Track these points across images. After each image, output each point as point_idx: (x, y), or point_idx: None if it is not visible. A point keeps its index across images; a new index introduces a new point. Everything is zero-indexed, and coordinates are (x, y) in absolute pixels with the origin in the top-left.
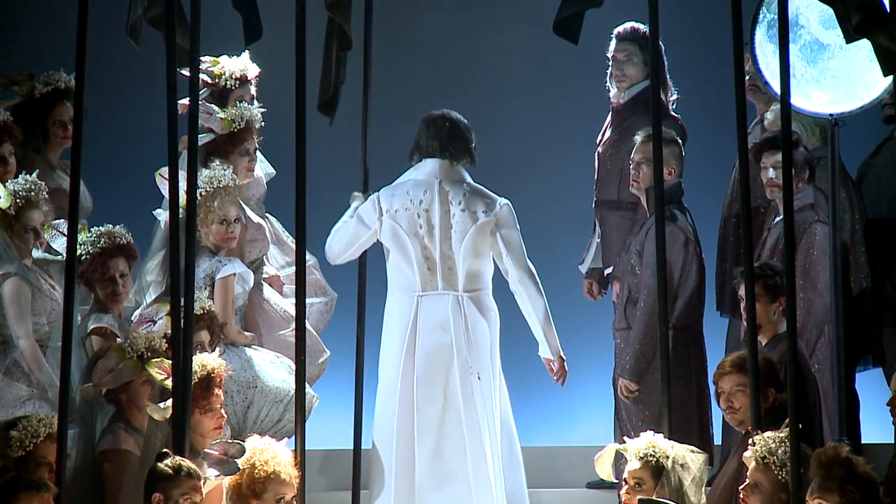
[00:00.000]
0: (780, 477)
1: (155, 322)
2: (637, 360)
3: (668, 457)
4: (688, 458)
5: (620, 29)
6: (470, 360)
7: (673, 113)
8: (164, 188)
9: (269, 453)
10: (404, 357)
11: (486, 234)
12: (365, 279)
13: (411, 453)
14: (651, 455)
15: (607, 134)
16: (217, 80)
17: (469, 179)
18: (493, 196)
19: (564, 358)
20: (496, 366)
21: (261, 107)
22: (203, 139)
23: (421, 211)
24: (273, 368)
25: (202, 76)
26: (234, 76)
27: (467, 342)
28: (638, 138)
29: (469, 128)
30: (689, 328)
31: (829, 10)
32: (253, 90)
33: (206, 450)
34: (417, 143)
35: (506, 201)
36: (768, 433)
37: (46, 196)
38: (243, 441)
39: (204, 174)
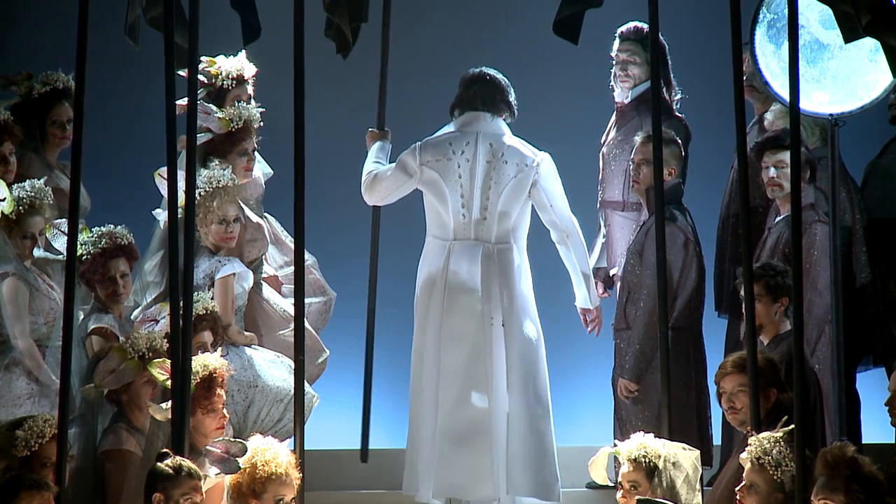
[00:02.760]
0: (775, 477)
1: (158, 321)
2: (637, 360)
3: (659, 456)
4: (680, 457)
5: (624, 29)
6: (493, 310)
7: (677, 113)
8: (164, 188)
9: (271, 454)
10: (433, 307)
11: (527, 185)
12: (376, 279)
13: (432, 413)
14: (643, 456)
15: (611, 134)
16: (213, 81)
17: (509, 132)
18: (533, 149)
19: (600, 307)
20: (534, 319)
21: (259, 106)
22: (201, 139)
23: (462, 161)
24: (273, 368)
25: (199, 77)
26: (230, 76)
27: (494, 293)
28: (637, 139)
29: (508, 84)
30: (689, 328)
31: (830, 10)
32: (250, 90)
33: (207, 447)
34: (459, 98)
35: (546, 154)
36: (763, 433)
37: (52, 202)
38: (245, 441)
39: (203, 174)
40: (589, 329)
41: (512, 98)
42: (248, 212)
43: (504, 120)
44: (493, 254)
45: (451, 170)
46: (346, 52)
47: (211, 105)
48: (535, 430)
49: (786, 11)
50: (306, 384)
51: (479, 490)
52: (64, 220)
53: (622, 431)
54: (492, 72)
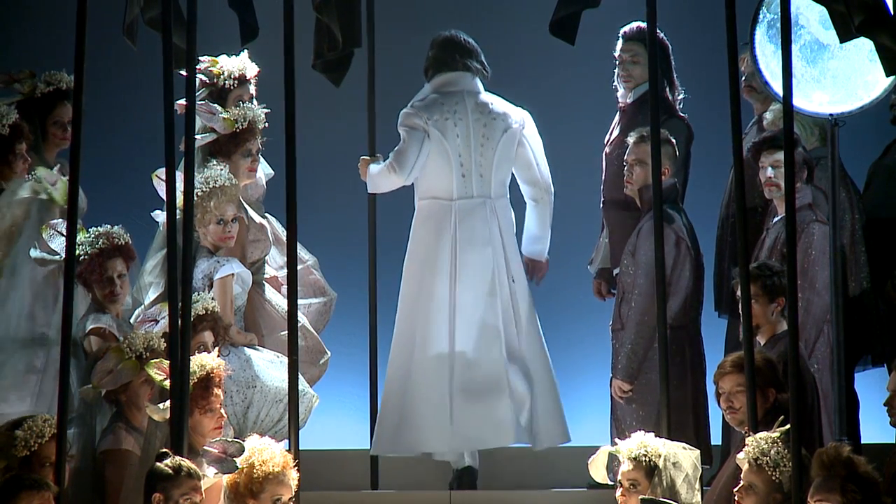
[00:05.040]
0: (773, 477)
1: (157, 321)
2: (629, 360)
3: (660, 455)
4: (680, 456)
5: (626, 29)
6: (506, 264)
7: (680, 113)
8: (161, 190)
9: (268, 453)
10: (441, 267)
11: (514, 141)
12: (375, 278)
13: (444, 368)
14: (643, 455)
15: (615, 134)
16: (216, 80)
17: (484, 91)
18: (513, 106)
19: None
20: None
21: (264, 107)
22: (205, 139)
23: (457, 119)
24: (273, 368)
25: (201, 76)
26: (232, 76)
27: (505, 247)
28: (630, 139)
29: (477, 45)
30: (685, 328)
31: None
32: (252, 89)
33: (205, 447)
34: (434, 59)
35: (526, 112)
36: (760, 434)
37: None
38: (244, 441)
39: (201, 174)
40: (536, 279)
41: (483, 58)
42: (251, 212)
43: (479, 78)
44: (496, 209)
45: (449, 129)
46: (339, 78)
47: (216, 105)
48: (551, 381)
49: None
50: (306, 385)
51: (500, 438)
52: (61, 220)
53: (618, 431)
54: (463, 34)
